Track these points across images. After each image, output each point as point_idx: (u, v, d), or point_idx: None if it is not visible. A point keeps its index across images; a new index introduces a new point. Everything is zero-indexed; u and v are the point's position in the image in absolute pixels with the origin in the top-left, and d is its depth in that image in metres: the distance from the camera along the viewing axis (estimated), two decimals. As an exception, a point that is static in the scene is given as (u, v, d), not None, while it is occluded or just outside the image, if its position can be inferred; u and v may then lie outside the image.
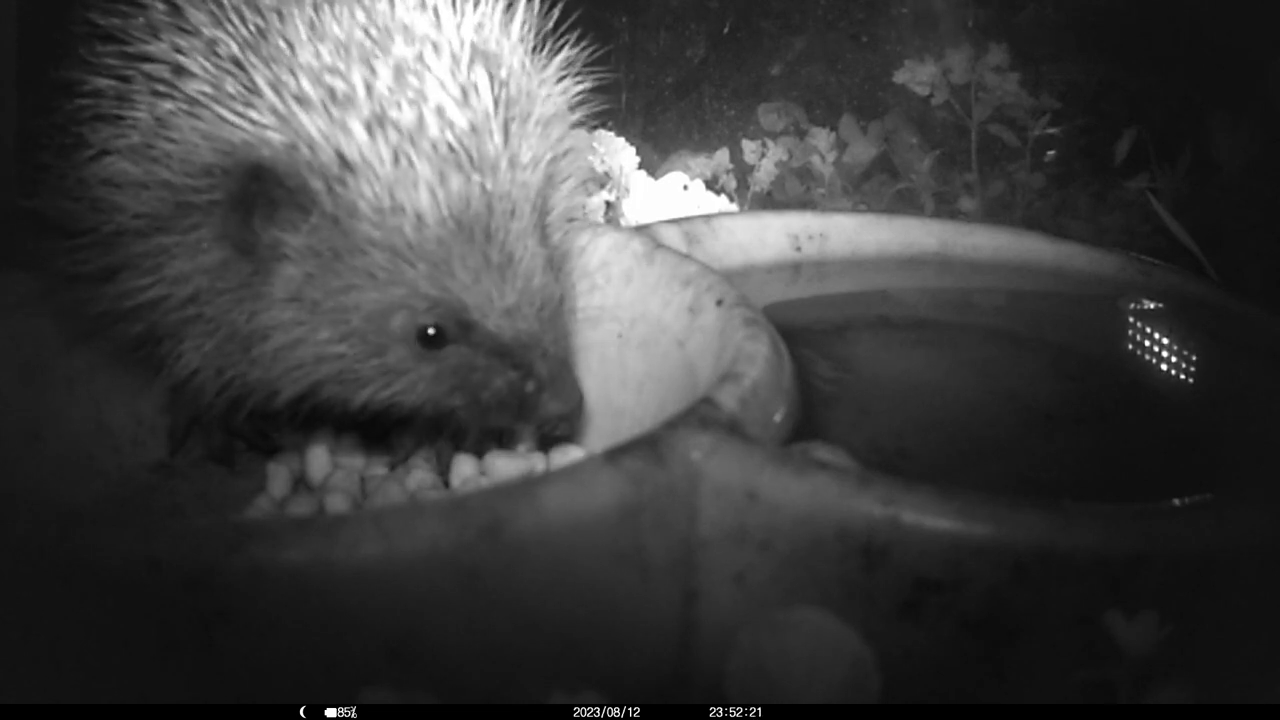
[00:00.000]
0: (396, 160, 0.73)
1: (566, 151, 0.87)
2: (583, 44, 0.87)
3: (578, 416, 0.82)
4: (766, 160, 1.65)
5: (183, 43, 0.77)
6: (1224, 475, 0.87)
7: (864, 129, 1.64)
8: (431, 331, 0.76)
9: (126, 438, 0.95)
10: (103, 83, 0.78)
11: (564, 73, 0.87)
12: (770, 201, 1.63)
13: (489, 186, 0.75)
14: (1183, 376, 1.04)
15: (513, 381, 0.78)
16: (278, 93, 0.73)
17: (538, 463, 0.90)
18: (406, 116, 0.74)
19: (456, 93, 0.76)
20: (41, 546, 0.60)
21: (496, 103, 0.77)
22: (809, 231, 1.17)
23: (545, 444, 0.91)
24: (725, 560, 0.67)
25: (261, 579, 0.58)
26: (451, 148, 0.74)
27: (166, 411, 0.96)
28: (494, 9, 0.83)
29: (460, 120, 0.75)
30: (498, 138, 0.76)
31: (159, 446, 0.97)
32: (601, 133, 1.49)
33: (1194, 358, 1.05)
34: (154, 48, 0.77)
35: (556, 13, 0.86)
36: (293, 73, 0.74)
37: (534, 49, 0.85)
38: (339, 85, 0.73)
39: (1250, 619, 0.69)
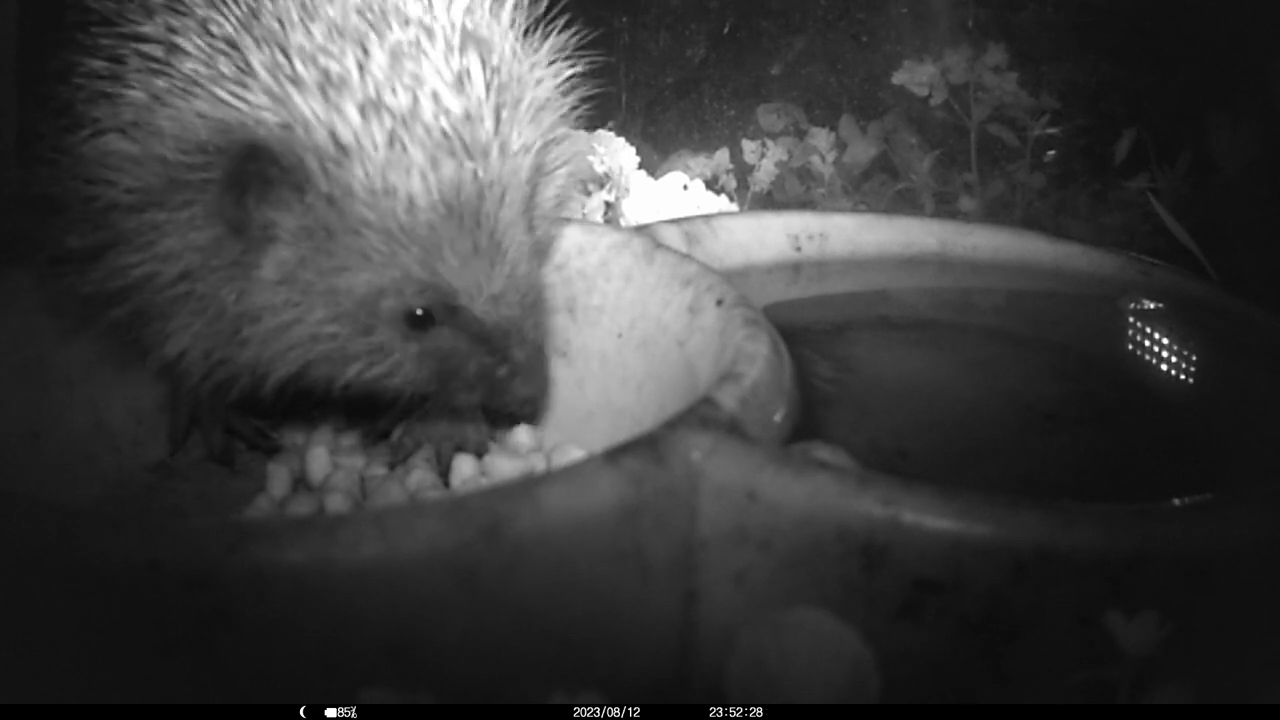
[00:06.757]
0: (390, 144, 0.73)
1: (558, 139, 0.88)
2: (576, 33, 0.87)
3: (541, 400, 0.86)
4: (766, 160, 1.64)
5: (176, 23, 0.77)
6: (1224, 475, 0.87)
7: (864, 129, 1.64)
8: (419, 313, 0.77)
9: (126, 438, 0.95)
10: (97, 64, 0.78)
11: (555, 57, 0.87)
12: (770, 201, 1.63)
13: (480, 173, 0.75)
14: (1183, 376, 1.04)
15: (485, 366, 0.79)
16: (272, 74, 0.73)
17: (538, 463, 0.90)
18: (401, 101, 0.74)
19: (451, 79, 0.76)
20: (41, 546, 0.60)
21: (488, 88, 0.78)
22: (809, 231, 1.17)
23: (497, 420, 0.94)
24: (725, 560, 0.67)
25: (261, 579, 0.58)
26: (445, 134, 0.74)
27: (166, 411, 0.96)
28: None
29: (455, 106, 0.75)
30: (489, 124, 0.77)
31: (159, 446, 0.97)
32: (601, 133, 1.49)
33: (1194, 358, 1.05)
34: (148, 28, 0.78)
35: (553, 7, 0.86)
36: (286, 54, 0.74)
37: (525, 33, 0.85)
38: (333, 67, 0.74)
39: (1250, 619, 0.69)
